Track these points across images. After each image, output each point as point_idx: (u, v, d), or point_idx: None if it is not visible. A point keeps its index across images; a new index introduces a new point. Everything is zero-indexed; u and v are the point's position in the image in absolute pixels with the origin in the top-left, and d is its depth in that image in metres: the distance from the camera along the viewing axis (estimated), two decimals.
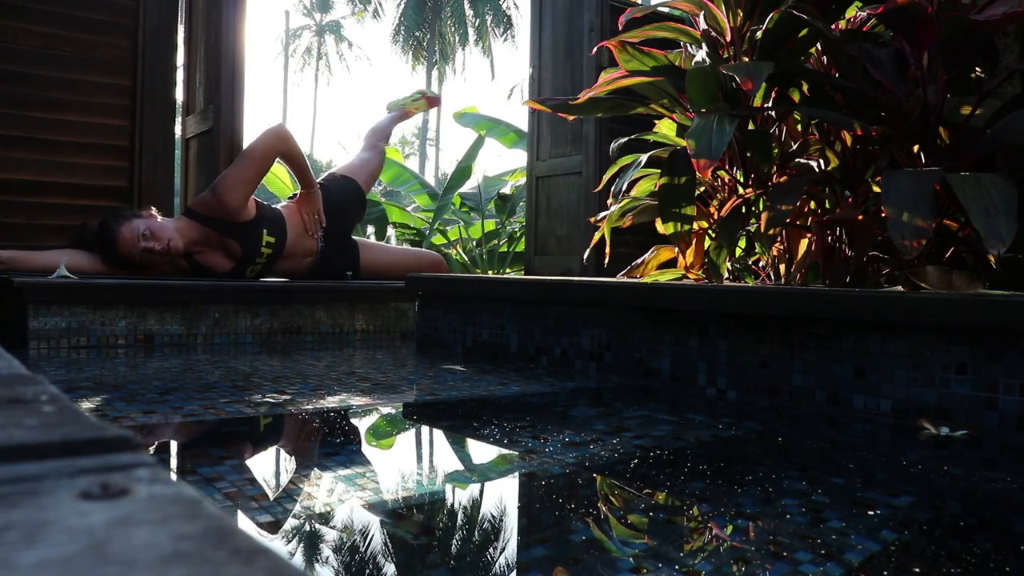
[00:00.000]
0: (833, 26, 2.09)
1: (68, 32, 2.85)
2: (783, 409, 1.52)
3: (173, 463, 1.05)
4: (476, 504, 0.90)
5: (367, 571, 0.70)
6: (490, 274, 6.05)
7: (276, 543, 0.74)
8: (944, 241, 1.84)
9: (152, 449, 1.12)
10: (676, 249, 2.25)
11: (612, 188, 2.41)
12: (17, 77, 2.75)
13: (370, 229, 6.80)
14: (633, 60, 2.28)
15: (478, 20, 33.50)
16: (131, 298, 2.32)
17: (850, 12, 2.23)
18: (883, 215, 1.60)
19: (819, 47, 2.22)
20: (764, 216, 1.86)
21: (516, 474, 1.00)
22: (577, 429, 1.27)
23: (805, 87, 2.14)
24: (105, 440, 0.39)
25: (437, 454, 1.21)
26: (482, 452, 1.14)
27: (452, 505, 0.90)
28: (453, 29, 34.20)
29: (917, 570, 0.73)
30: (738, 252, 2.43)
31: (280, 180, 6.73)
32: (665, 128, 2.46)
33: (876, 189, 1.99)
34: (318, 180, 3.08)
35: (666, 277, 2.27)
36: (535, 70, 4.50)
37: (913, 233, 1.46)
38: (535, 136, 4.50)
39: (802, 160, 2.19)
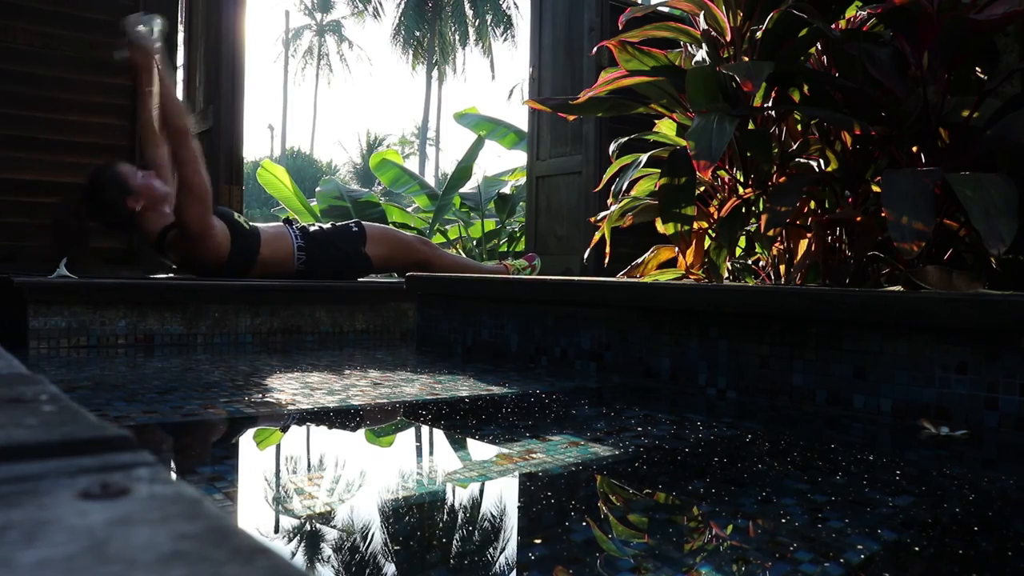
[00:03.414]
0: (833, 26, 2.09)
1: (68, 32, 2.85)
2: (783, 409, 1.52)
3: (173, 463, 1.05)
4: (476, 504, 0.90)
5: (367, 570, 0.70)
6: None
7: (276, 543, 0.74)
8: (944, 241, 1.84)
9: (152, 449, 1.12)
10: (676, 249, 2.25)
11: (612, 188, 2.41)
12: (17, 77, 2.76)
13: None
14: (633, 60, 2.28)
15: (478, 20, 33.51)
16: (131, 298, 2.32)
17: (850, 12, 2.23)
18: (883, 215, 1.60)
19: (819, 47, 2.22)
20: (764, 216, 1.86)
21: (516, 474, 1.00)
22: (577, 429, 1.27)
23: (805, 87, 2.14)
24: (105, 439, 0.39)
25: (437, 454, 1.21)
26: (482, 452, 1.14)
27: (452, 505, 0.90)
28: (453, 29, 34.21)
29: (917, 570, 0.73)
30: (738, 252, 2.43)
31: (281, 182, 6.72)
32: (665, 128, 2.46)
33: (876, 189, 1.99)
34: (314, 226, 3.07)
35: (666, 277, 2.27)
36: (535, 70, 4.50)
37: (913, 234, 1.46)
38: (535, 136, 4.50)
39: (802, 160, 2.19)
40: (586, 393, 1.71)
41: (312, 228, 3.05)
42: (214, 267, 2.73)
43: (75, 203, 2.64)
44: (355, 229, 3.12)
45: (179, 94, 2.66)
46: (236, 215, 2.85)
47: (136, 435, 0.91)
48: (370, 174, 27.14)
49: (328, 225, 3.14)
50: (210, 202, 2.64)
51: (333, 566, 0.70)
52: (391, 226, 4.54)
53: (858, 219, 1.89)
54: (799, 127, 2.24)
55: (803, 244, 2.13)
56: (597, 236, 2.44)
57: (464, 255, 6.74)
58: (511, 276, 2.91)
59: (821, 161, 2.16)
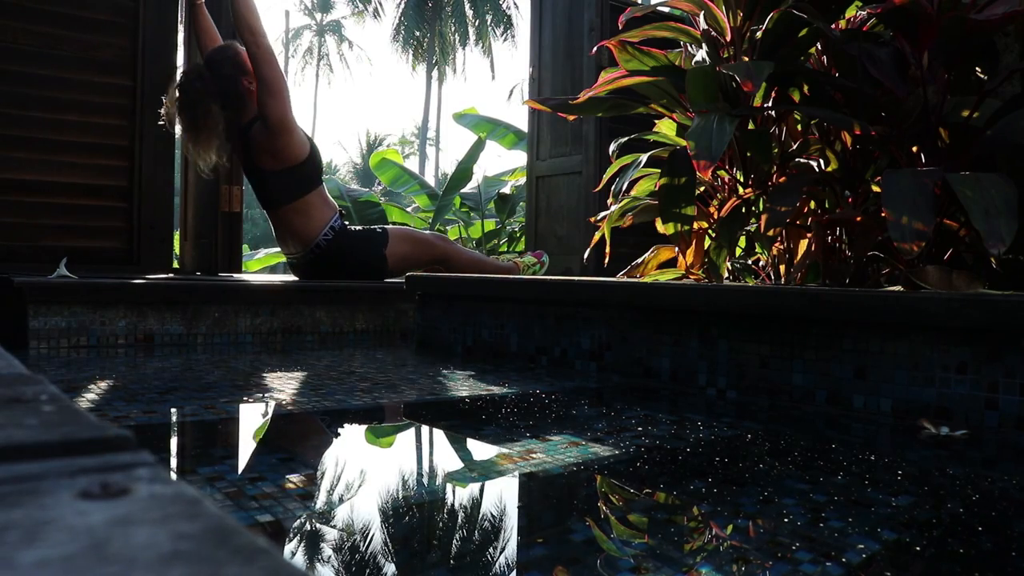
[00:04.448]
0: (833, 26, 2.09)
1: (68, 32, 2.84)
2: (783, 409, 1.52)
3: (173, 463, 1.05)
4: (476, 504, 0.90)
5: (367, 571, 0.70)
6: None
7: (276, 543, 0.74)
8: (944, 241, 1.84)
9: (152, 449, 1.12)
10: (676, 249, 2.25)
11: (612, 188, 2.41)
12: (17, 77, 2.75)
13: None
14: (633, 60, 2.28)
15: (478, 20, 33.50)
16: (131, 298, 2.32)
17: (850, 12, 2.23)
18: (883, 215, 1.60)
19: (819, 47, 2.22)
20: (764, 216, 1.86)
21: (516, 474, 1.00)
22: (577, 429, 1.27)
23: (805, 87, 2.14)
24: (105, 440, 0.39)
25: (437, 454, 1.21)
26: (482, 452, 1.14)
27: (452, 505, 0.90)
28: (453, 29, 34.20)
29: (918, 570, 0.73)
30: (738, 252, 2.43)
31: None
32: (665, 128, 2.46)
33: (876, 189, 1.99)
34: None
35: (666, 277, 2.27)
36: (535, 70, 4.50)
37: (913, 234, 1.46)
38: (535, 136, 4.50)
39: (802, 160, 2.19)
40: (586, 393, 1.71)
41: (350, 227, 3.20)
42: (287, 168, 2.94)
43: (199, 74, 2.87)
44: (379, 231, 3.27)
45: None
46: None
47: (136, 435, 0.91)
48: (370, 174, 27.13)
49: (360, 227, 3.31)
50: (287, 96, 2.89)
51: (333, 566, 0.70)
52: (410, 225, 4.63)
53: (858, 219, 1.89)
54: (799, 127, 2.24)
55: (803, 244, 2.13)
56: (597, 236, 2.44)
57: None
58: (511, 276, 2.91)
59: (821, 161, 2.16)
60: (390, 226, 3.36)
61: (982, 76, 1.99)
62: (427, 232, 3.50)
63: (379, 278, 3.13)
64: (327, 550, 0.74)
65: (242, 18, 2.85)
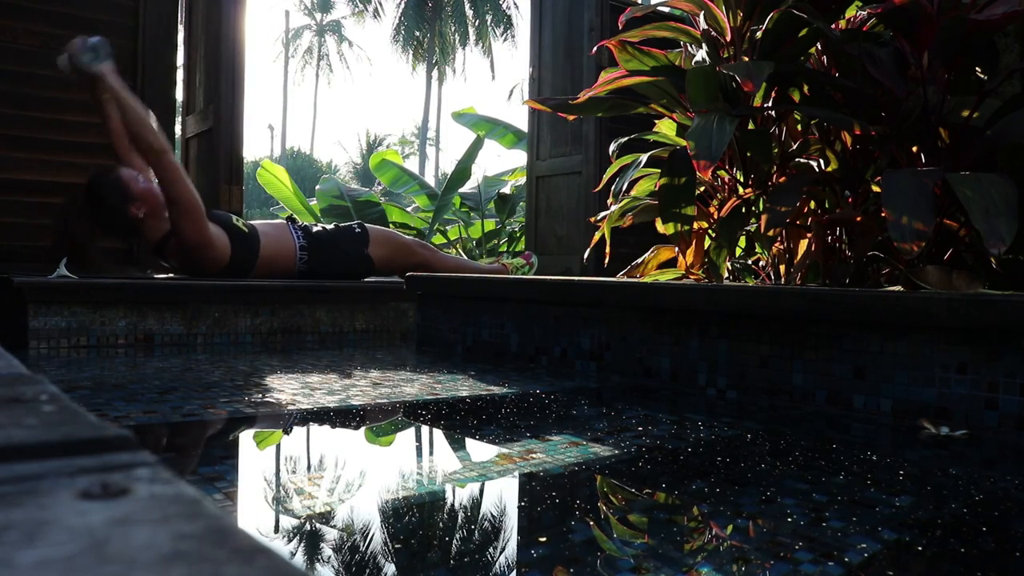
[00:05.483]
0: (833, 26, 2.09)
1: (68, 32, 2.84)
2: (783, 409, 1.52)
3: (173, 463, 1.05)
4: (476, 504, 0.90)
5: (367, 571, 0.70)
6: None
7: (276, 543, 0.74)
8: (944, 241, 1.84)
9: (152, 449, 1.12)
10: (676, 249, 2.25)
11: (612, 188, 2.40)
12: (17, 77, 2.76)
13: None
14: (633, 60, 2.28)
15: (478, 20, 33.52)
16: (131, 298, 2.32)
17: (850, 12, 2.23)
18: (883, 215, 1.60)
19: (819, 47, 2.21)
20: (764, 216, 1.86)
21: (516, 474, 1.00)
22: (577, 429, 1.27)
23: (805, 87, 2.14)
24: (105, 439, 0.39)
25: (437, 454, 1.21)
26: (482, 452, 1.14)
27: (452, 505, 0.90)
28: (453, 29, 34.22)
29: (918, 570, 0.73)
30: (738, 252, 2.43)
31: (281, 182, 6.72)
32: (665, 128, 2.46)
33: (876, 189, 1.99)
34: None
35: (666, 277, 2.26)
36: (535, 70, 4.50)
37: (913, 234, 1.46)
38: (535, 136, 4.50)
39: (802, 160, 2.19)
40: (586, 393, 1.71)
41: (315, 228, 3.03)
42: (216, 272, 2.72)
43: (78, 207, 2.57)
44: (358, 230, 3.11)
45: (146, 113, 2.53)
46: (234, 219, 2.81)
47: (136, 435, 0.91)
48: (370, 174, 27.12)
49: (331, 226, 3.12)
50: (202, 213, 2.58)
51: (333, 566, 0.70)
52: (391, 228, 4.55)
53: (858, 219, 1.89)
54: (799, 127, 2.24)
55: (803, 244, 2.13)
56: (597, 236, 2.44)
57: (464, 255, 6.73)
58: (511, 276, 2.91)
59: (821, 161, 2.16)
60: (370, 225, 3.23)
61: (982, 76, 1.99)
62: (407, 237, 3.39)
63: (365, 277, 3.10)
64: (327, 550, 0.74)
65: (137, 138, 2.51)
